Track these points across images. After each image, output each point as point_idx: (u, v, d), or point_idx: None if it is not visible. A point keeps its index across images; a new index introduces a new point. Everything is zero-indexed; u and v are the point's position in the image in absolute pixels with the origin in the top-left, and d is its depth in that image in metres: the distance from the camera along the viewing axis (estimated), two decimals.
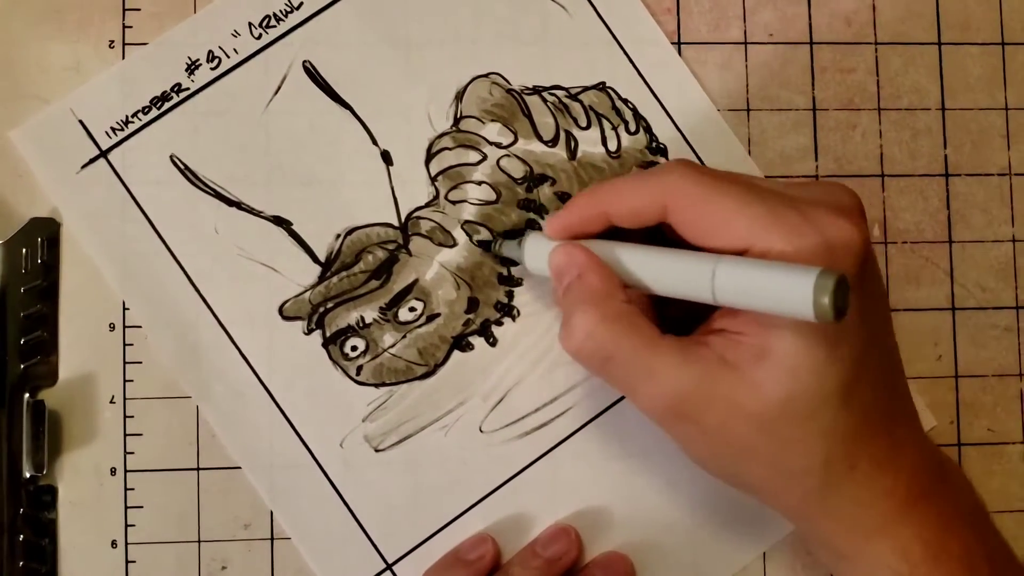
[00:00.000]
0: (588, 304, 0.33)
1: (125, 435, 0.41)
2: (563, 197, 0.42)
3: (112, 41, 0.41)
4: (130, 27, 0.41)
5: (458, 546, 0.40)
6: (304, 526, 0.41)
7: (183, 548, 0.40)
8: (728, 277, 0.31)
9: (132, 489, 0.40)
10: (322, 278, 0.41)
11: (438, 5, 0.42)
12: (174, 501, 0.40)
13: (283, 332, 0.41)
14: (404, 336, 0.41)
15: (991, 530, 0.35)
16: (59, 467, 0.40)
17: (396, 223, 0.42)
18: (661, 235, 0.35)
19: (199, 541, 0.40)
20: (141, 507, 0.40)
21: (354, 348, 0.41)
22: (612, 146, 0.42)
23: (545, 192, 0.42)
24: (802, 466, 0.33)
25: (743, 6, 0.44)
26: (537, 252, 0.37)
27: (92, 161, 0.41)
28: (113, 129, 0.41)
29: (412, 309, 0.41)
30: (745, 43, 0.44)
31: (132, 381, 0.41)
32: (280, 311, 0.41)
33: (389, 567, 0.41)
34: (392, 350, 0.41)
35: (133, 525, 0.40)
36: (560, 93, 0.42)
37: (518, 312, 0.42)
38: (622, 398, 0.42)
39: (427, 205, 0.42)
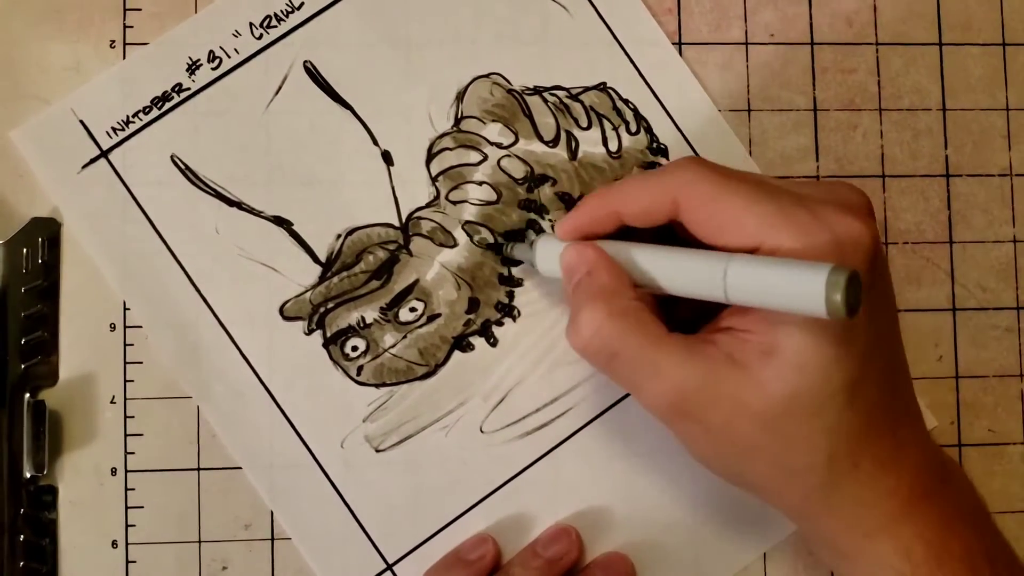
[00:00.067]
0: (596, 300, 0.33)
1: (125, 435, 0.41)
2: (564, 197, 0.42)
3: (113, 41, 0.41)
4: (131, 27, 0.41)
5: (459, 546, 0.40)
6: (304, 526, 0.41)
7: (183, 548, 0.40)
8: (740, 275, 0.31)
9: (132, 489, 0.40)
10: (323, 278, 0.41)
11: (439, 5, 0.42)
12: (174, 501, 0.40)
13: (284, 332, 0.41)
14: (405, 336, 0.41)
15: (993, 531, 0.35)
16: (59, 467, 0.40)
17: (397, 223, 0.42)
18: (671, 235, 0.35)
19: (199, 541, 0.40)
20: (141, 507, 0.40)
21: (355, 348, 0.41)
22: (613, 146, 0.42)
23: (546, 192, 0.42)
24: (805, 464, 0.33)
25: (744, 6, 0.44)
26: (548, 253, 0.37)
27: (93, 161, 0.41)
28: (114, 129, 0.41)
29: (413, 309, 0.41)
30: (746, 43, 0.44)
31: (132, 381, 0.41)
32: (281, 311, 0.41)
33: (389, 567, 0.41)
34: (393, 350, 0.41)
35: (133, 525, 0.40)
36: (561, 93, 0.42)
37: (519, 312, 0.42)
38: (622, 398, 0.42)
39: (428, 205, 0.42)
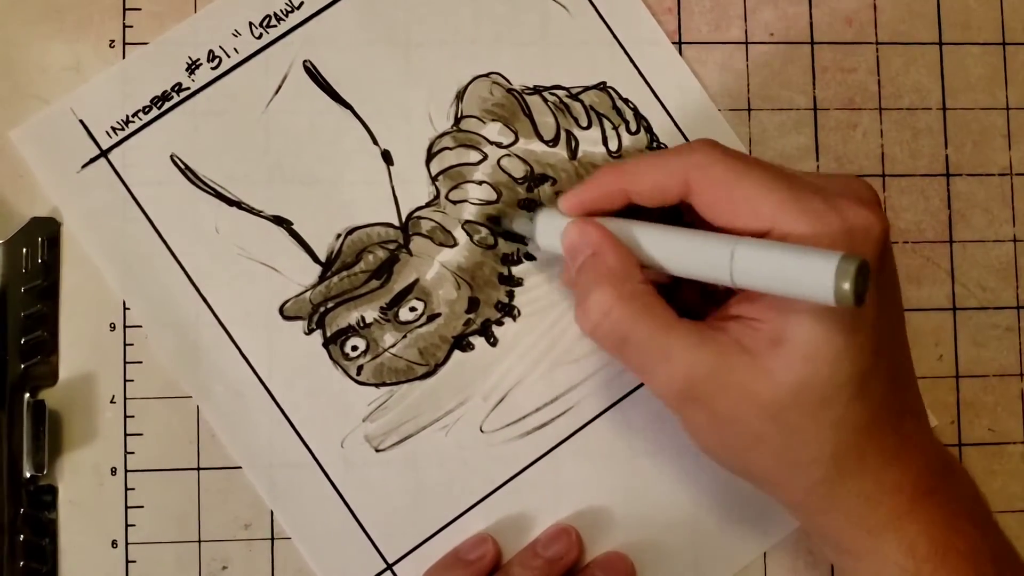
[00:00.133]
0: (605, 283, 0.33)
1: (125, 435, 0.40)
2: None
3: (112, 41, 0.41)
4: (130, 27, 0.41)
5: (458, 546, 0.40)
6: (304, 526, 0.40)
7: (183, 548, 0.40)
8: (747, 259, 0.30)
9: (132, 489, 0.40)
10: (322, 278, 0.41)
11: (438, 5, 0.42)
12: (174, 501, 0.40)
13: (283, 332, 0.41)
14: (405, 336, 0.41)
15: (996, 529, 0.35)
16: (59, 467, 0.40)
17: (397, 223, 0.41)
18: (676, 218, 0.35)
19: (199, 541, 0.40)
20: (141, 507, 0.40)
21: (354, 348, 0.41)
22: (613, 146, 0.42)
23: (546, 192, 0.42)
24: (810, 456, 0.33)
25: (744, 6, 0.44)
26: (549, 228, 0.37)
27: (92, 161, 0.41)
28: (113, 129, 0.41)
29: (413, 309, 0.41)
30: (746, 43, 0.44)
31: (132, 381, 0.41)
32: (280, 311, 0.41)
33: (389, 567, 0.41)
34: (393, 350, 0.41)
35: (133, 525, 0.40)
36: (561, 93, 0.42)
37: (519, 312, 0.42)
38: (622, 398, 0.42)
39: (428, 205, 0.42)
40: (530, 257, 0.42)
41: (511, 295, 0.42)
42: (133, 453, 0.40)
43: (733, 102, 0.43)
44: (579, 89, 0.42)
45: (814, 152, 0.44)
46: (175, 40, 0.41)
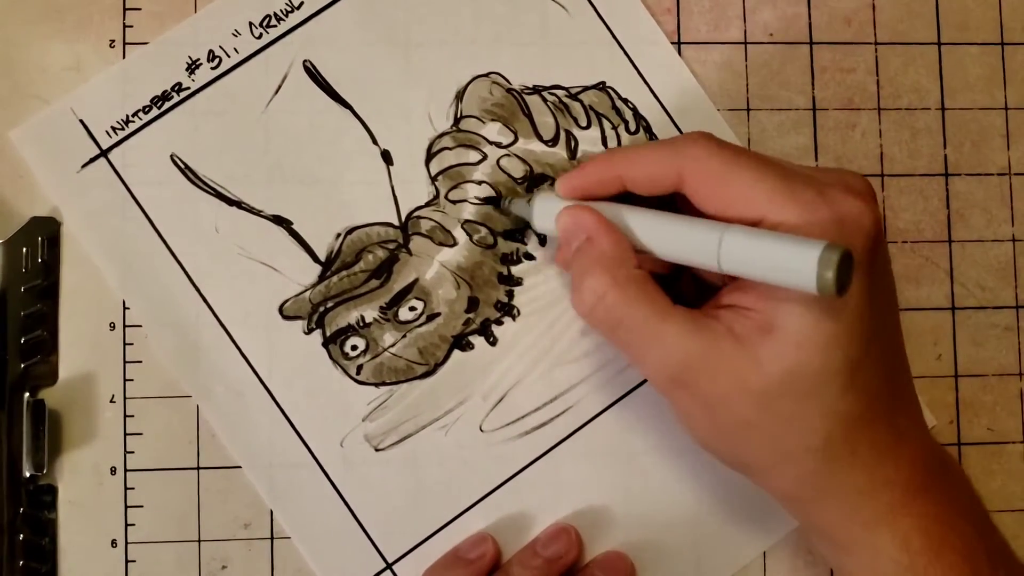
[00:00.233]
0: (599, 268, 0.34)
1: (125, 434, 0.40)
2: None
3: (112, 40, 0.41)
4: (130, 26, 0.42)
5: (458, 545, 0.40)
6: (304, 526, 0.40)
7: (183, 548, 0.40)
8: (735, 245, 0.31)
9: (132, 489, 0.40)
10: (322, 277, 0.41)
11: (438, 5, 0.42)
12: (174, 501, 0.40)
13: (283, 332, 0.41)
14: (404, 335, 0.41)
15: (990, 526, 0.35)
16: (59, 467, 0.40)
17: (396, 222, 0.42)
18: (671, 206, 0.36)
19: (199, 541, 0.40)
20: (141, 507, 0.40)
21: (354, 347, 0.41)
22: (612, 146, 0.42)
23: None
24: (801, 445, 0.33)
25: (743, 6, 0.44)
26: (546, 211, 0.38)
27: (92, 160, 0.41)
28: (113, 128, 0.41)
29: (412, 308, 0.41)
30: (745, 43, 0.44)
31: (132, 380, 0.41)
32: (280, 310, 0.41)
33: (389, 566, 0.41)
34: (392, 349, 0.41)
35: (133, 525, 0.40)
36: (560, 93, 0.42)
37: (518, 311, 0.42)
38: (622, 398, 0.42)
39: (427, 204, 0.42)
40: (530, 257, 0.42)
41: (511, 295, 0.42)
42: (133, 453, 0.40)
43: (732, 102, 0.43)
44: (578, 89, 0.43)
45: (813, 152, 0.44)
46: (175, 40, 0.41)
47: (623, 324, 0.34)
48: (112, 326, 0.41)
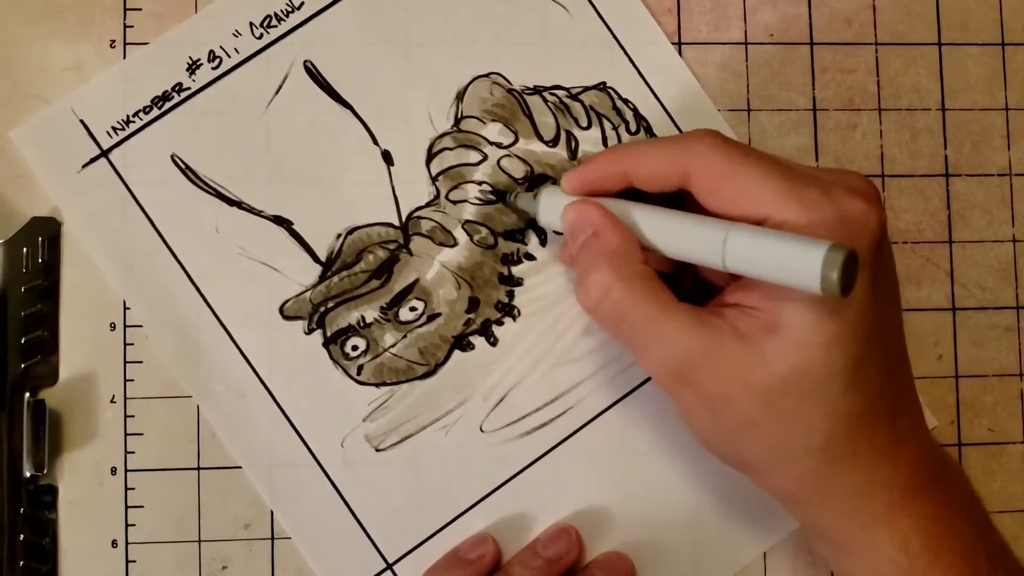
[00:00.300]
0: (605, 263, 0.34)
1: (125, 435, 0.40)
2: None
3: (113, 41, 0.41)
4: (131, 27, 0.42)
5: (458, 546, 0.40)
6: (304, 526, 0.40)
7: (183, 548, 0.40)
8: (740, 243, 0.31)
9: (132, 489, 0.40)
10: (323, 278, 0.41)
11: (439, 5, 0.42)
12: (174, 501, 0.40)
13: (284, 332, 0.41)
14: (405, 336, 0.41)
15: (989, 527, 0.35)
16: (59, 467, 0.40)
17: (397, 223, 0.42)
18: (678, 202, 0.36)
19: (199, 541, 0.40)
20: (141, 507, 0.40)
21: (355, 348, 0.41)
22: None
23: None
24: (802, 445, 0.33)
25: (743, 6, 0.44)
26: (552, 206, 0.38)
27: (93, 160, 0.41)
28: (114, 128, 0.41)
29: (413, 309, 0.41)
30: (745, 43, 0.44)
31: (132, 381, 0.41)
32: (281, 311, 0.41)
33: (389, 567, 0.41)
34: (393, 350, 0.41)
35: (133, 525, 0.40)
36: (561, 93, 0.42)
37: (519, 312, 0.42)
38: (622, 398, 0.42)
39: (428, 205, 0.42)
40: (530, 257, 0.42)
41: (511, 295, 0.42)
42: (133, 453, 0.40)
43: (733, 102, 0.43)
44: (579, 89, 0.43)
45: (813, 153, 0.44)
46: (176, 40, 0.41)
47: (627, 319, 0.34)
48: (112, 326, 0.41)
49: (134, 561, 0.40)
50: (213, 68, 0.41)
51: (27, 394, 0.40)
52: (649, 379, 0.41)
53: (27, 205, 0.41)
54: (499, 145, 0.42)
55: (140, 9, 0.42)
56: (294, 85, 0.41)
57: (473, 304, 0.41)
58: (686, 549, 0.41)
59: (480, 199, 0.42)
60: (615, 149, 0.37)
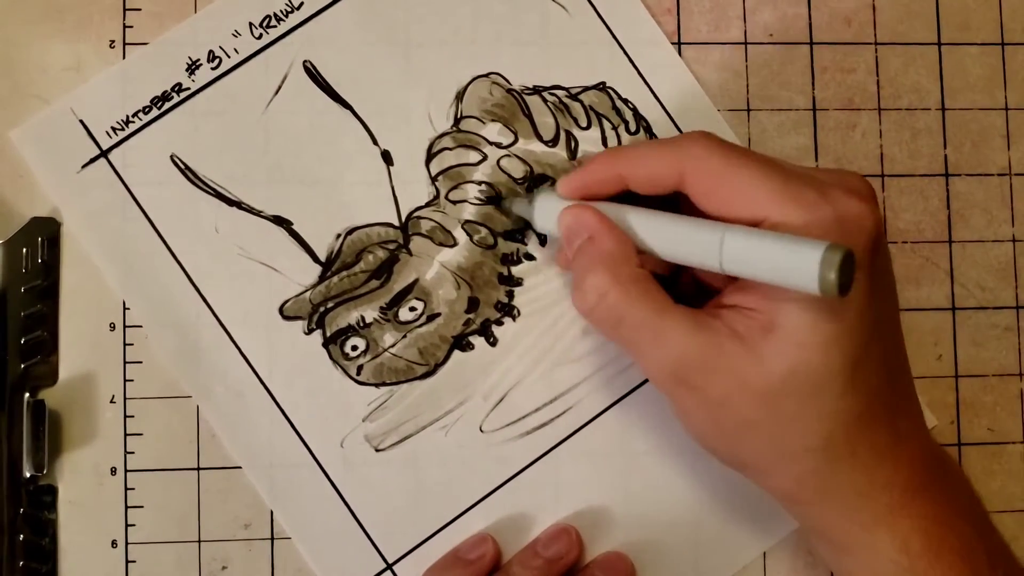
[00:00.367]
0: (601, 267, 0.34)
1: (125, 435, 0.40)
2: None
3: (112, 41, 0.41)
4: (130, 27, 0.42)
5: (458, 546, 0.40)
6: (304, 526, 0.41)
7: (183, 548, 0.40)
8: (737, 245, 0.31)
9: (132, 489, 0.40)
10: (322, 278, 0.41)
11: (438, 5, 0.42)
12: (174, 501, 0.40)
13: (283, 332, 0.41)
14: (404, 336, 0.41)
15: (989, 526, 0.35)
16: (59, 467, 0.40)
17: (396, 223, 0.42)
18: (673, 205, 0.36)
19: (199, 541, 0.40)
20: (141, 507, 0.40)
21: (354, 348, 0.41)
22: (612, 146, 0.42)
23: None
24: (801, 445, 0.33)
25: (743, 6, 0.44)
26: (547, 210, 0.38)
27: (92, 161, 0.41)
28: (113, 129, 0.41)
29: (412, 309, 0.41)
30: (745, 43, 0.44)
31: (132, 381, 0.41)
32: (280, 311, 0.41)
33: (389, 567, 0.41)
34: (392, 350, 0.41)
35: (133, 525, 0.40)
36: (560, 93, 0.42)
37: (518, 312, 0.42)
38: (622, 398, 0.42)
39: (427, 205, 0.42)
40: (530, 257, 0.42)
41: (511, 295, 0.42)
42: (133, 453, 0.40)
43: (732, 102, 0.43)
44: (579, 89, 0.43)
45: (813, 152, 0.44)
46: (175, 40, 0.41)
47: (625, 322, 0.34)
48: (112, 326, 0.41)
49: (134, 561, 0.40)
50: (213, 68, 0.41)
51: (27, 394, 0.40)
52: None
53: (27, 205, 0.41)
54: (499, 145, 0.42)
55: (140, 9, 0.42)
56: (294, 85, 0.41)
57: (473, 304, 0.41)
58: (686, 549, 0.41)
59: (480, 199, 0.42)
60: (610, 152, 0.37)
